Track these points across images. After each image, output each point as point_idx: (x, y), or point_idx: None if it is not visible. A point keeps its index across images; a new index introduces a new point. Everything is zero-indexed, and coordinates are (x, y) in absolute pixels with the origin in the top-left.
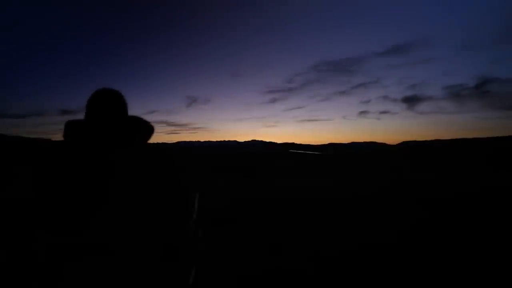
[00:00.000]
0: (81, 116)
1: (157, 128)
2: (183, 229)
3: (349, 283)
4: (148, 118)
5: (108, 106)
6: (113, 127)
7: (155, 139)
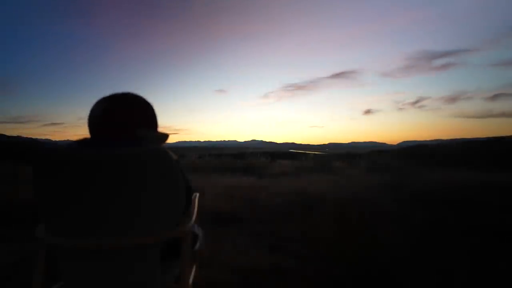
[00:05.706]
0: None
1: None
2: (184, 229)
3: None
4: None
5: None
6: (115, 126)
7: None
